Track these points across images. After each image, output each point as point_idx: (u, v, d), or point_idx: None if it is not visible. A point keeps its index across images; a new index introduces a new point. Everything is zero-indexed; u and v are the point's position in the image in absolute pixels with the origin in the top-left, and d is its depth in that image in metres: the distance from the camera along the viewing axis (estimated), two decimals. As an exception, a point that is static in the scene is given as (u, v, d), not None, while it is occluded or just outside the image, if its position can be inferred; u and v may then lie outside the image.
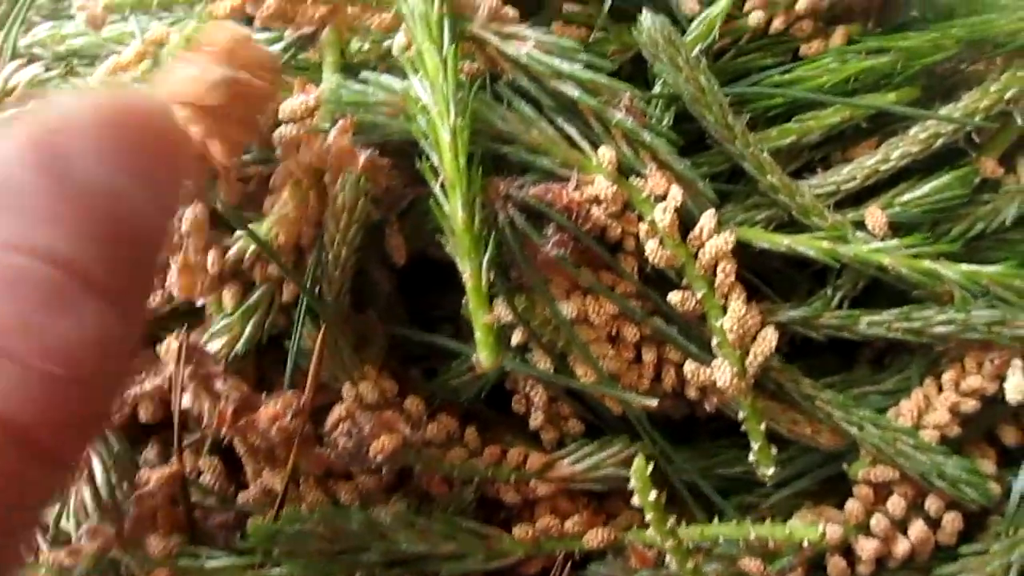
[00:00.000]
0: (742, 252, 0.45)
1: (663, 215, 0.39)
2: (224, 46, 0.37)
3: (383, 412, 0.41)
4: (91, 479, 0.41)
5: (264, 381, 0.45)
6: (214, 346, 0.41)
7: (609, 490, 0.45)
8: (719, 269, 0.40)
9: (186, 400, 0.41)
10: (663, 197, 0.40)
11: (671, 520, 0.37)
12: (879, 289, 0.46)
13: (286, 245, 0.40)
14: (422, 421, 0.43)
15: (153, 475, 0.40)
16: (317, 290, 0.42)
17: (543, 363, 0.42)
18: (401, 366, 0.46)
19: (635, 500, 0.37)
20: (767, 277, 0.47)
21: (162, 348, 0.41)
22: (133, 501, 0.39)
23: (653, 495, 0.36)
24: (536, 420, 0.44)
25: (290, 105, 0.40)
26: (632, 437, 0.44)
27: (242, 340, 0.41)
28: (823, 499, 0.46)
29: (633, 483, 0.36)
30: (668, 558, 0.40)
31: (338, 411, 0.41)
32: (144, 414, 0.43)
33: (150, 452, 0.45)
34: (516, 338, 0.42)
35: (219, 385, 0.39)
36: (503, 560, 0.42)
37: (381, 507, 0.42)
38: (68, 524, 0.41)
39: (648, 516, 0.37)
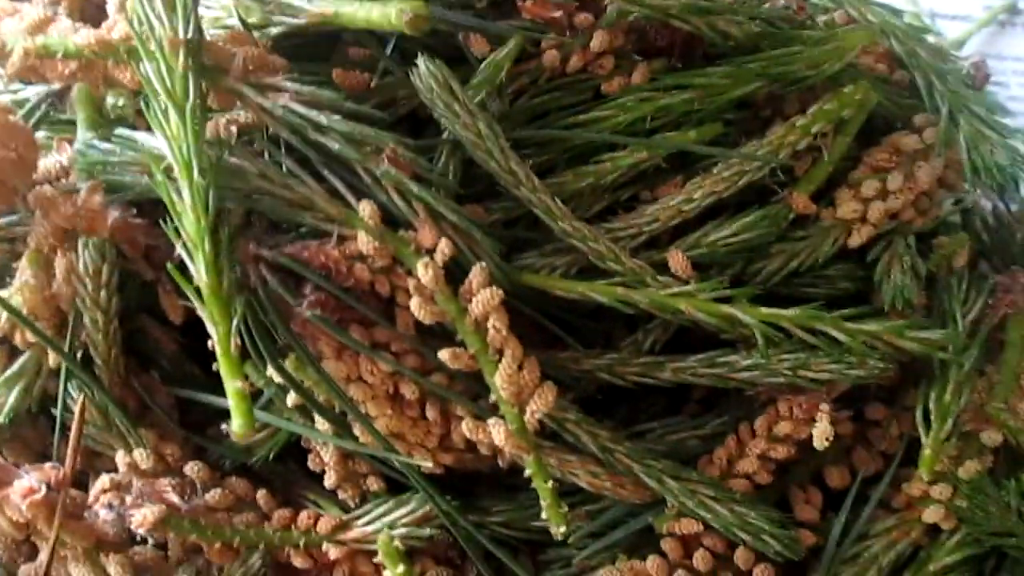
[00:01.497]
0: (548, 300, 0.44)
1: (424, 270, 0.37)
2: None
3: (153, 481, 0.39)
4: None
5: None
6: (-22, 416, 0.40)
7: (413, 549, 0.43)
8: (490, 324, 0.38)
9: (-51, 474, 0.39)
10: (432, 250, 0.39)
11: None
12: (697, 332, 0.45)
13: (42, 311, 0.38)
14: (205, 486, 0.41)
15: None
16: (86, 354, 0.40)
17: (323, 425, 0.40)
18: (195, 427, 0.44)
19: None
20: (577, 324, 0.46)
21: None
22: None
23: (401, 568, 0.34)
24: (330, 479, 0.43)
25: (44, 164, 0.39)
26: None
27: (6, 409, 0.40)
28: (638, 551, 0.44)
29: (381, 555, 0.34)
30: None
31: (102, 481, 0.39)
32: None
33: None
34: (292, 400, 0.40)
35: (-32, 460, 0.38)
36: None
37: (159, 579, 0.40)
38: None
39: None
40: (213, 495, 0.41)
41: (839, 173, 0.47)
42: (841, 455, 0.48)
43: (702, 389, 0.48)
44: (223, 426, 0.41)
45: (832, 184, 0.47)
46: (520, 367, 0.39)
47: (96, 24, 0.44)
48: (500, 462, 0.42)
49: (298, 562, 0.42)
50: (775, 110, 0.47)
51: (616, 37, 0.44)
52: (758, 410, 0.45)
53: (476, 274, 0.38)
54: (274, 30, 0.42)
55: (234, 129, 0.40)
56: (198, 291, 0.36)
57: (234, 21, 0.43)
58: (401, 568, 0.35)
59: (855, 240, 0.46)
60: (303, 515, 0.42)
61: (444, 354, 0.39)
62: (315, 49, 0.44)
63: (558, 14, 0.43)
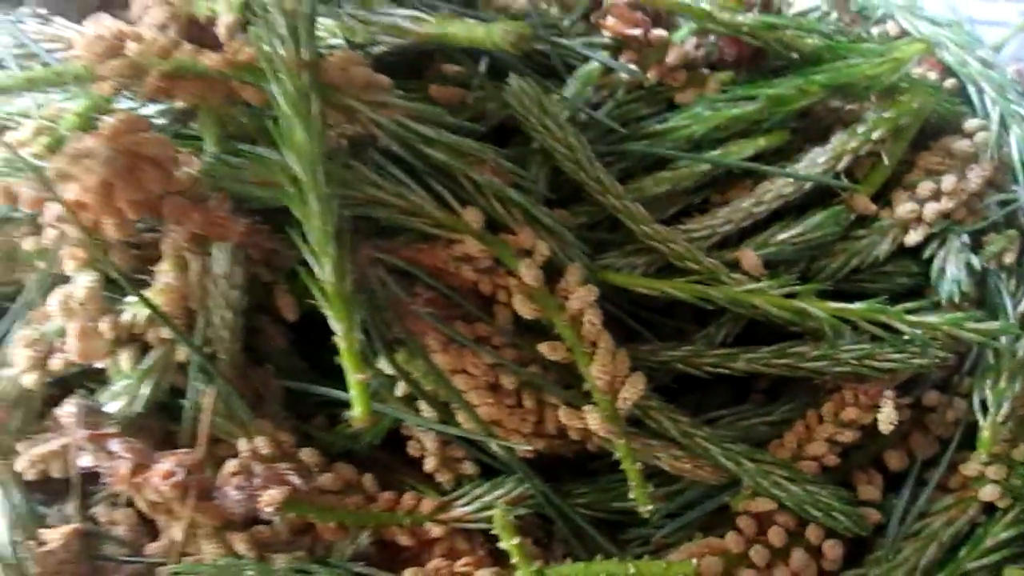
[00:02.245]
0: (625, 297, 0.47)
1: (527, 271, 0.41)
2: (114, 128, 0.39)
3: (275, 465, 0.43)
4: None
5: (172, 437, 0.47)
6: (114, 407, 0.44)
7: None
8: (585, 319, 0.42)
9: (89, 459, 0.43)
10: (530, 252, 0.42)
11: (537, 563, 0.39)
12: (764, 325, 0.48)
13: (175, 309, 0.42)
14: (317, 471, 0.45)
15: (54, 533, 0.42)
16: (210, 350, 0.44)
17: (428, 412, 0.44)
18: (301, 417, 0.48)
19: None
20: (653, 319, 0.49)
21: (60, 411, 0.43)
22: (34, 559, 0.41)
23: (516, 540, 0.38)
24: (429, 464, 0.46)
25: (175, 176, 0.42)
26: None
27: (139, 400, 0.43)
28: (713, 530, 0.48)
29: (496, 528, 0.38)
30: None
31: (231, 466, 0.42)
32: (55, 471, 0.45)
33: (69, 507, 0.47)
34: (400, 390, 0.44)
35: (113, 445, 0.41)
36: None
37: (279, 556, 0.44)
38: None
39: (514, 559, 0.39)
40: (326, 478, 0.45)
41: (895, 175, 0.50)
42: (899, 440, 0.51)
43: (766, 379, 0.52)
44: (344, 414, 0.45)
45: (888, 186, 0.50)
46: (612, 358, 0.42)
47: (200, 44, 0.47)
48: (589, 447, 0.45)
49: (403, 540, 0.45)
50: (836, 118, 0.50)
51: (688, 52, 0.48)
52: (823, 398, 0.48)
53: (572, 273, 0.42)
54: (376, 49, 0.46)
55: (344, 142, 0.44)
56: (322, 292, 0.40)
57: (337, 41, 0.47)
58: (516, 539, 0.38)
59: (912, 238, 0.49)
60: (406, 497, 0.46)
61: (544, 347, 0.42)
62: (410, 66, 0.48)
63: (637, 31, 0.47)
